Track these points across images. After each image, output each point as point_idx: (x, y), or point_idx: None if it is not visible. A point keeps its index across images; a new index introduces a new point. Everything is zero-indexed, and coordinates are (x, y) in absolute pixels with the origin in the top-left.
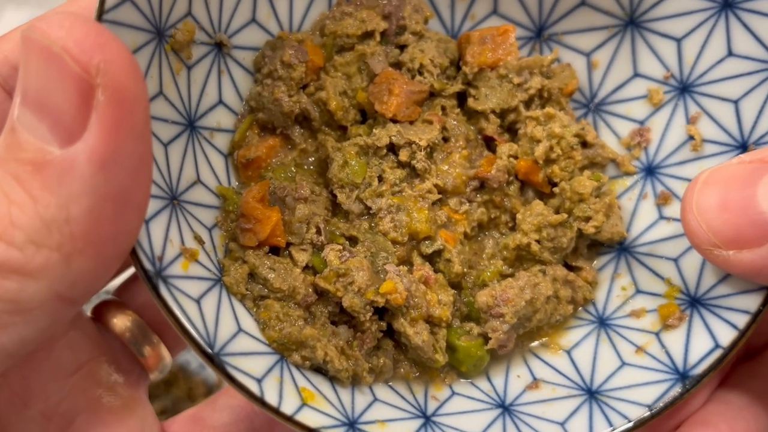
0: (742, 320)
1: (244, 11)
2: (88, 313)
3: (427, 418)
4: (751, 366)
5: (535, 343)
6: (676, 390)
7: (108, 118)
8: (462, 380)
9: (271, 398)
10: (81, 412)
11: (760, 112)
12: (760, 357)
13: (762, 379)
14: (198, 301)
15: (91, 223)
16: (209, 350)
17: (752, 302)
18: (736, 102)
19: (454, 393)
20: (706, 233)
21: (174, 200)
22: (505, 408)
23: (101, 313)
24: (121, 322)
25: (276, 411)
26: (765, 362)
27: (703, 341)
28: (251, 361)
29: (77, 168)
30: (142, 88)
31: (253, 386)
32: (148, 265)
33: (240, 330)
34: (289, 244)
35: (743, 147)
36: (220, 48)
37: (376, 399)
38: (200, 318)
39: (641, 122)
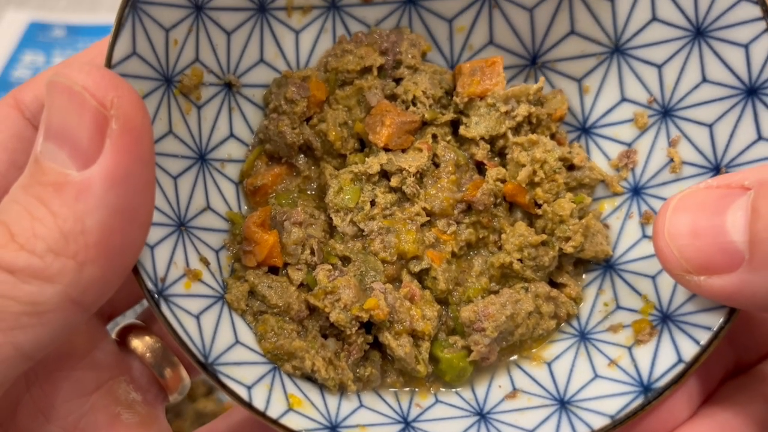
0: (705, 336)
1: (252, 53)
2: (113, 336)
3: (407, 423)
4: (740, 381)
5: (518, 356)
6: (639, 402)
7: (120, 143)
8: (448, 389)
9: (259, 403)
10: (100, 427)
11: (731, 136)
12: (750, 371)
13: (748, 393)
14: (197, 317)
15: (103, 234)
16: (203, 360)
17: (715, 319)
18: (710, 126)
19: (437, 401)
20: (678, 259)
21: (182, 227)
22: (482, 415)
23: (125, 335)
24: (143, 344)
25: (262, 414)
26: (754, 376)
27: (668, 356)
28: (244, 370)
29: (93, 186)
30: (148, 120)
31: (242, 392)
32: (150, 286)
33: (237, 342)
34: (286, 264)
35: (716, 169)
36: (229, 87)
37: (361, 405)
38: (198, 331)
39: (629, 144)
